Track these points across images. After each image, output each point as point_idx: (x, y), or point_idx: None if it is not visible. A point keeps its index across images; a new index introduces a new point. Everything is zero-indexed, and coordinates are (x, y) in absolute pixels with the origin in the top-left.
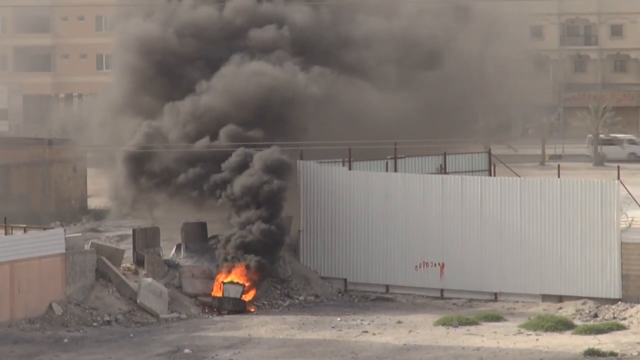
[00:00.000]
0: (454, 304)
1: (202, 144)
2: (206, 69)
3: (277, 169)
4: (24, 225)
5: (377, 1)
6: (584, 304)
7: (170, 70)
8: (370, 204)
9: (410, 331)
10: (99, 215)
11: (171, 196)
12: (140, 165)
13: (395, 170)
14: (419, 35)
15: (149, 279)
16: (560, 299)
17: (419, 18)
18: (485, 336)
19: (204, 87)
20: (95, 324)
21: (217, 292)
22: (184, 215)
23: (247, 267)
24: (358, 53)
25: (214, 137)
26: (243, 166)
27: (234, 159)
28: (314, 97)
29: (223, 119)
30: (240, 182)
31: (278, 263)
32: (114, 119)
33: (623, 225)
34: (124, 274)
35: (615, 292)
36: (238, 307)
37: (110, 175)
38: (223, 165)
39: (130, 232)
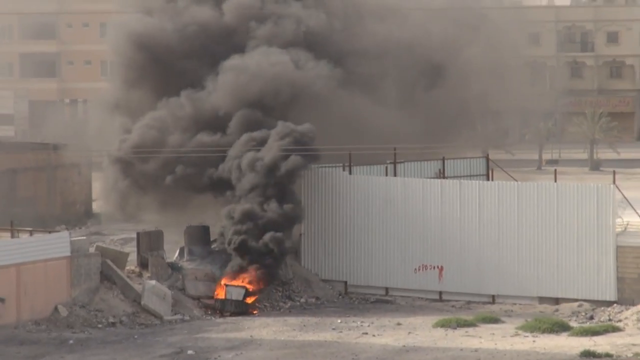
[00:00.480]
0: (453, 306)
1: (208, 139)
2: (205, 65)
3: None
4: (30, 229)
5: (385, 8)
6: (580, 306)
7: (167, 65)
8: (370, 207)
9: (409, 333)
10: (110, 216)
11: (171, 195)
12: (136, 165)
13: (395, 175)
14: (424, 48)
15: (153, 282)
16: (556, 301)
17: (426, 28)
18: (483, 338)
19: (209, 84)
20: (100, 325)
21: (219, 294)
22: (186, 218)
23: (266, 246)
24: (362, 62)
25: (220, 133)
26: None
27: (245, 139)
28: (323, 92)
29: (229, 116)
30: (266, 157)
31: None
32: (110, 120)
33: (618, 229)
34: (128, 277)
35: (610, 294)
36: (240, 309)
37: (107, 178)
38: (240, 141)
39: (134, 235)
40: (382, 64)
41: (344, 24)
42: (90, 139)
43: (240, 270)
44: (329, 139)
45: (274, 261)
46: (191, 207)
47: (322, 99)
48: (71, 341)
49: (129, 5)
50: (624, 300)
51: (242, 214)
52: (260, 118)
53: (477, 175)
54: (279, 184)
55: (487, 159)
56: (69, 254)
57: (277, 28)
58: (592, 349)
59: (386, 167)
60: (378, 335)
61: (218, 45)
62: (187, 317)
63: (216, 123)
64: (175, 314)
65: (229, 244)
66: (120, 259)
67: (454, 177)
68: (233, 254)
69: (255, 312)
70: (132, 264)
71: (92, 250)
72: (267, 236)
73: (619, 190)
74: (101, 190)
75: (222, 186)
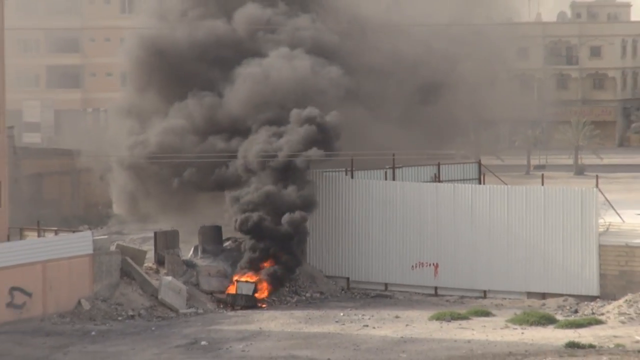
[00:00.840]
0: (447, 300)
1: (224, 145)
2: (215, 69)
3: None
4: (55, 228)
5: (387, 25)
6: (565, 300)
7: (177, 68)
8: (370, 209)
9: (407, 325)
10: (123, 219)
11: (180, 196)
12: (149, 170)
13: (394, 179)
14: (425, 65)
15: (169, 278)
16: (543, 296)
17: (427, 45)
18: (476, 330)
19: (226, 89)
20: (120, 318)
21: (231, 290)
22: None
23: (291, 224)
24: (367, 78)
25: (232, 137)
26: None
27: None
28: (338, 97)
29: (245, 120)
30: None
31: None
32: (125, 125)
33: (601, 229)
34: (146, 273)
35: (593, 290)
36: (250, 303)
37: (117, 182)
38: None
39: (152, 234)
40: (385, 81)
41: (350, 40)
42: (107, 145)
43: (257, 261)
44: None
45: (297, 244)
46: (196, 208)
47: (333, 104)
48: (93, 332)
49: (146, 14)
50: (606, 295)
51: (260, 196)
52: (281, 118)
53: (469, 179)
54: (295, 172)
55: (479, 164)
56: (91, 252)
57: (295, 37)
58: (576, 340)
59: (385, 172)
60: (378, 327)
61: (228, 50)
62: (200, 311)
63: (234, 128)
64: (190, 307)
65: (241, 224)
66: (139, 256)
67: (449, 181)
68: (246, 235)
69: (264, 306)
70: (149, 261)
71: (112, 248)
72: (286, 217)
73: (602, 193)
74: (113, 194)
75: (232, 182)
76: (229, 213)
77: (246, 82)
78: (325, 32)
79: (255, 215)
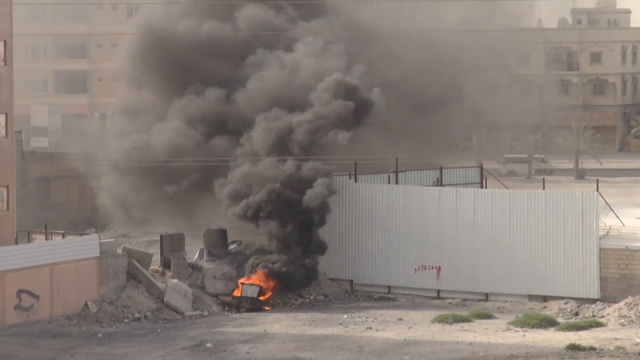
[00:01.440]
0: (449, 303)
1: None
2: (222, 65)
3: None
4: (63, 232)
5: (392, 32)
6: (566, 303)
7: (178, 63)
8: (373, 212)
9: (409, 327)
10: (129, 222)
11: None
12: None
13: (397, 183)
14: (428, 76)
15: (175, 280)
16: (544, 298)
17: (431, 53)
18: (478, 332)
19: (239, 88)
20: (126, 320)
21: (236, 292)
22: (205, 222)
23: (317, 200)
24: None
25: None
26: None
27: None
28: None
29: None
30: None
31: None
32: (123, 125)
33: (601, 233)
34: (152, 276)
35: (594, 292)
36: (255, 306)
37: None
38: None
39: (157, 237)
40: (387, 87)
41: (355, 47)
42: (108, 149)
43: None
44: (336, 150)
45: (318, 224)
46: (202, 210)
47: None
48: (100, 335)
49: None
50: (606, 298)
51: (279, 175)
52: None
53: (471, 184)
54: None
55: (481, 169)
56: (98, 254)
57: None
58: (577, 342)
59: (388, 176)
60: (381, 329)
61: (232, 46)
62: (206, 313)
63: (249, 128)
64: (195, 310)
65: (254, 210)
66: (145, 259)
67: (451, 185)
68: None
69: (268, 308)
70: (156, 264)
71: (119, 251)
72: (311, 195)
73: (602, 197)
74: (107, 200)
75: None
76: (224, 203)
77: (265, 82)
78: (336, 37)
79: (274, 196)
